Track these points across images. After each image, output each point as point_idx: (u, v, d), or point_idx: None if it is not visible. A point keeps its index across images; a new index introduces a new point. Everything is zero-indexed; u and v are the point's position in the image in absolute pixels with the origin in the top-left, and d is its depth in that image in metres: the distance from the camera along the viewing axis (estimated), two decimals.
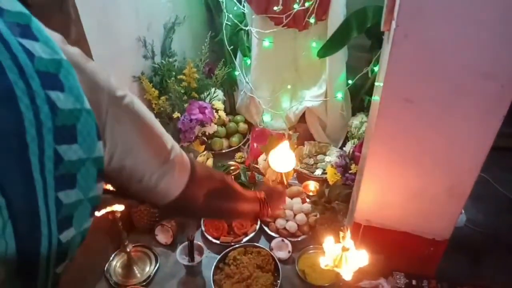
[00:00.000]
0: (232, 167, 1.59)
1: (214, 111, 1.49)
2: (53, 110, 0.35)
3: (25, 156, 0.34)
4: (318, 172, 1.57)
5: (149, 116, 0.50)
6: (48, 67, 0.35)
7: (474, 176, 0.92)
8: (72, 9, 0.88)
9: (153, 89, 1.34)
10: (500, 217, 1.43)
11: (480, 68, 0.78)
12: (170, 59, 1.42)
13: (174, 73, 1.38)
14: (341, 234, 0.90)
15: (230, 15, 1.63)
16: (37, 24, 0.37)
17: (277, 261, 1.23)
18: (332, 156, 1.56)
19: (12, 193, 0.34)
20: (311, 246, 1.29)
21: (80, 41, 0.96)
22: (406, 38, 0.78)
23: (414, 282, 1.14)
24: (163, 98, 1.36)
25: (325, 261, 0.90)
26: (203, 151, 1.58)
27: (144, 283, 1.22)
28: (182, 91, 1.39)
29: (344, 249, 0.87)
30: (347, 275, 0.87)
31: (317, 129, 1.69)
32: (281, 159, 1.28)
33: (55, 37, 0.39)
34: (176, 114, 1.38)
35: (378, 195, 1.03)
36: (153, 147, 0.51)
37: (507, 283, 1.19)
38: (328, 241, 0.91)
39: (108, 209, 1.03)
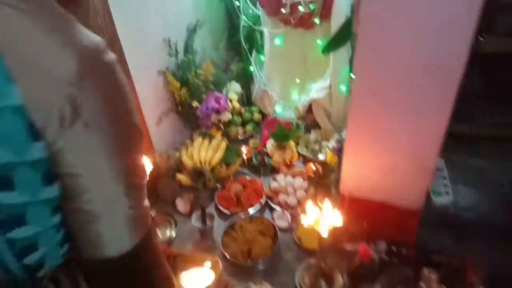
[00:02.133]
0: (244, 152, 1.80)
1: (228, 101, 1.71)
2: None
3: None
4: (321, 156, 1.75)
5: (128, 123, 0.45)
6: None
7: (436, 155, 1.07)
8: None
9: (176, 81, 1.59)
10: (488, 200, 1.54)
11: (431, 62, 0.95)
12: (191, 56, 1.66)
13: (194, 68, 1.62)
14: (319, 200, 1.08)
15: (246, 18, 1.84)
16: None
17: (277, 229, 1.44)
18: (333, 142, 1.73)
19: None
20: None
21: (114, 43, 1.21)
22: (368, 39, 0.96)
23: (394, 248, 1.30)
24: (184, 89, 1.60)
25: (306, 221, 1.09)
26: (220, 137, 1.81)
27: (166, 243, 1.47)
28: (201, 83, 1.62)
29: (320, 209, 1.06)
30: (324, 232, 1.06)
31: (322, 118, 1.87)
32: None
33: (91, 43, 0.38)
34: (195, 103, 1.62)
35: (357, 170, 1.20)
36: (114, 163, 0.43)
37: (486, 256, 1.30)
38: (309, 204, 1.10)
39: None
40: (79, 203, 0.42)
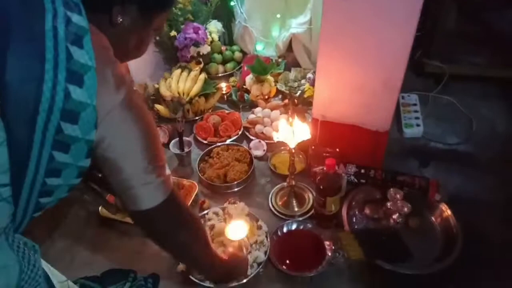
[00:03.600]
0: (224, 87, 1.81)
1: (208, 33, 1.70)
2: (66, 98, 0.47)
3: (34, 116, 0.46)
4: (297, 93, 1.78)
5: (153, 130, 0.63)
6: (79, 68, 0.48)
7: (401, 72, 1.10)
8: None
9: None
10: (457, 133, 1.60)
11: None
12: None
13: None
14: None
15: None
16: (89, 38, 0.49)
17: (253, 156, 1.48)
18: (310, 74, 1.75)
19: (14, 130, 0.46)
20: (282, 148, 1.53)
21: None
22: None
23: (362, 170, 1.36)
24: None
25: (276, 136, 1.13)
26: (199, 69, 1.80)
27: None
28: (178, 12, 1.60)
29: (290, 123, 1.10)
30: (292, 144, 1.11)
31: (302, 56, 1.88)
32: None
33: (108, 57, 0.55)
34: (173, 33, 1.60)
35: (329, 91, 1.23)
36: (145, 153, 0.60)
37: (448, 180, 1.38)
38: (281, 121, 1.14)
39: None
40: (119, 178, 0.60)
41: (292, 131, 1.11)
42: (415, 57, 1.85)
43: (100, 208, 1.33)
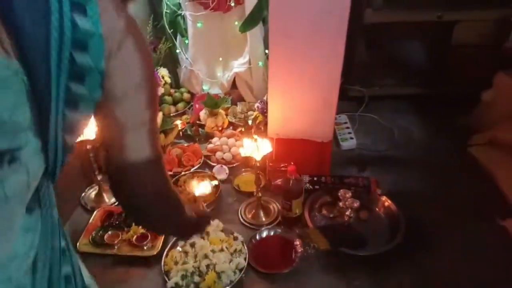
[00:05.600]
0: (179, 124, 1.97)
1: (161, 76, 1.87)
2: (74, 26, 0.47)
3: (48, 49, 0.46)
4: (249, 122, 1.99)
5: (152, 64, 0.61)
6: (80, 0, 0.49)
7: (336, 92, 1.38)
8: None
9: None
10: (383, 141, 1.92)
11: (324, 8, 1.24)
12: None
13: None
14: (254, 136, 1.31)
15: (168, 2, 2.02)
16: None
17: (218, 180, 1.63)
18: (257, 104, 1.98)
19: (32, 64, 0.46)
20: (243, 169, 1.71)
21: None
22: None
23: (315, 178, 1.58)
24: None
25: (244, 151, 1.31)
26: None
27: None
28: None
29: (254, 140, 1.29)
30: (258, 157, 1.29)
31: (246, 91, 2.12)
32: None
33: None
34: None
35: (280, 112, 1.46)
36: (144, 88, 0.57)
37: (383, 178, 1.65)
38: (246, 140, 1.33)
39: (81, 137, 1.37)
40: (114, 121, 0.57)
41: (256, 146, 1.30)
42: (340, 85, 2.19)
43: (77, 243, 1.36)
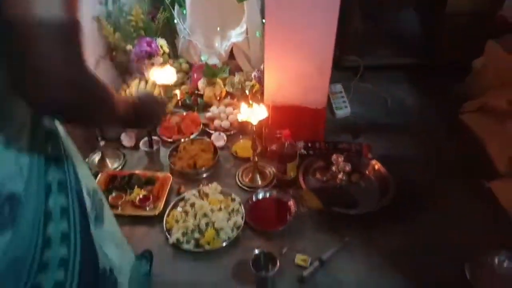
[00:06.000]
0: (178, 93, 2.01)
1: (159, 46, 1.90)
2: None
3: None
4: (247, 92, 2.04)
5: None
6: None
7: (330, 60, 1.42)
8: None
9: (109, 27, 1.73)
10: (377, 110, 1.97)
11: None
12: (120, 5, 1.81)
13: (124, 13, 1.77)
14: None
15: None
16: None
17: (216, 146, 1.70)
18: (254, 72, 2.02)
19: None
20: (241, 136, 1.77)
21: None
22: None
23: (309, 144, 1.65)
24: (117, 34, 1.75)
25: (241, 116, 1.37)
26: None
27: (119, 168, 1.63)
28: (131, 29, 1.79)
29: (250, 105, 1.34)
30: (254, 121, 1.35)
31: (243, 61, 2.15)
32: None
33: None
34: (129, 46, 1.78)
35: (276, 80, 1.51)
36: None
37: (376, 144, 1.70)
38: (243, 105, 1.38)
39: None
40: None
41: (252, 111, 1.35)
42: (336, 55, 2.22)
43: None
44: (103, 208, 0.84)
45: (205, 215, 1.35)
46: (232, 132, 1.79)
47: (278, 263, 1.14)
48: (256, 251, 1.19)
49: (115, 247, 0.85)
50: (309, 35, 1.38)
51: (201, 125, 1.81)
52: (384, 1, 2.13)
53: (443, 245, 1.30)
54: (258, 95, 1.82)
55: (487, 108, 1.69)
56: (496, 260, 1.21)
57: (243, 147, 1.71)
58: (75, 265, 0.66)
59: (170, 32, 2.21)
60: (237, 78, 2.13)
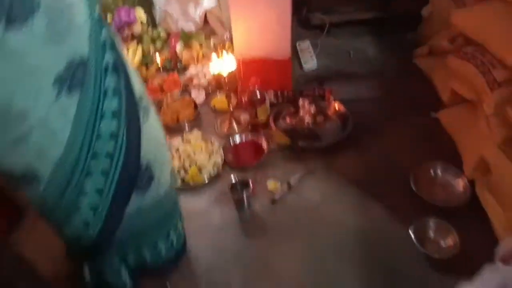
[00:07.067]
0: (158, 59, 2.18)
1: (137, 16, 2.06)
2: None
3: None
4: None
5: None
6: None
7: (288, 10, 1.60)
8: None
9: None
10: (341, 61, 2.17)
11: None
12: None
13: None
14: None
15: None
16: None
17: (196, 103, 1.89)
18: (227, 33, 2.19)
19: None
20: (218, 92, 1.96)
21: None
22: None
23: (279, 93, 1.85)
24: None
25: (212, 68, 1.56)
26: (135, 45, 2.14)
27: None
28: (110, 0, 1.94)
29: (220, 55, 1.53)
30: (225, 73, 1.54)
31: (217, 25, 2.32)
32: None
33: None
34: (109, 18, 1.94)
35: (243, 35, 1.69)
36: None
37: (339, 90, 1.90)
38: (213, 56, 1.57)
39: None
40: None
41: (222, 63, 1.54)
42: (303, 14, 2.40)
43: None
44: (149, 110, 0.92)
45: (188, 156, 1.56)
46: (210, 90, 1.98)
47: (251, 185, 1.36)
48: (233, 180, 1.41)
49: (155, 146, 0.94)
50: None
51: (182, 85, 2.00)
52: None
53: (392, 164, 1.54)
54: (229, 52, 2.00)
55: (434, 50, 1.90)
56: (433, 171, 1.45)
57: (220, 101, 1.90)
58: (123, 139, 0.80)
59: (147, 1, 2.35)
60: (212, 41, 2.30)
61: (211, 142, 1.66)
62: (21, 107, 0.66)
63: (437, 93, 1.80)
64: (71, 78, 0.70)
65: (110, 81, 0.77)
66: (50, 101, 0.69)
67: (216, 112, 1.88)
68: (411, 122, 1.72)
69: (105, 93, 0.77)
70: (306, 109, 1.73)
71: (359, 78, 2.04)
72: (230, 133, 1.73)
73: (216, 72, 1.56)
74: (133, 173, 0.86)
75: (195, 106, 1.87)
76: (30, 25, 0.62)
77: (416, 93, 1.86)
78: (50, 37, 0.66)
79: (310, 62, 2.13)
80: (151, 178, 0.92)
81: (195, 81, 1.98)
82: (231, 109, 1.74)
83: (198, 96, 1.94)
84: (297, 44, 2.24)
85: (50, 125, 0.70)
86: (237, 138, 1.69)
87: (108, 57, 0.77)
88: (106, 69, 0.77)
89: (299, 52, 2.20)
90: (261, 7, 1.60)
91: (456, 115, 1.64)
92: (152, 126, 0.92)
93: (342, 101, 1.79)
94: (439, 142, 1.60)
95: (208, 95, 1.96)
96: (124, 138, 0.80)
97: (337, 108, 1.76)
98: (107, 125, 0.78)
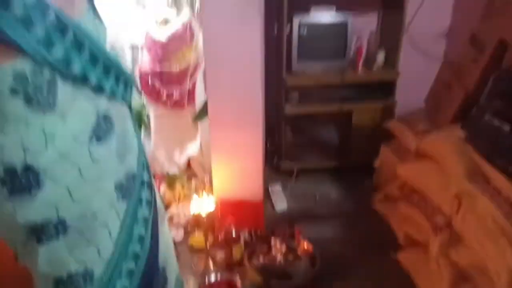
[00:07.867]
0: None
1: None
2: None
3: None
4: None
5: None
6: None
7: (260, 161, 1.89)
8: None
9: None
10: (308, 203, 2.42)
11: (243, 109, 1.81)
12: None
13: None
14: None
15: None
16: None
17: (175, 241, 2.01)
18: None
19: None
20: (196, 231, 2.10)
21: None
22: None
23: (253, 231, 2.01)
24: None
25: (192, 208, 1.74)
26: None
27: None
28: None
29: (200, 195, 1.73)
30: (204, 211, 1.72)
31: (198, 169, 2.59)
32: None
33: None
34: None
35: (222, 177, 1.94)
36: None
37: (306, 229, 2.10)
38: (194, 195, 1.76)
39: None
40: None
41: (202, 203, 1.73)
42: (274, 162, 2.74)
43: None
44: (164, 216, 1.03)
45: None
46: (189, 228, 2.12)
47: None
48: None
49: (167, 250, 1.02)
50: (242, 146, 1.88)
51: None
52: (307, 118, 2.76)
53: None
54: (209, 193, 2.22)
55: (388, 196, 2.18)
56: None
57: (198, 240, 2.03)
58: (148, 242, 0.88)
59: None
60: (193, 184, 2.54)
61: (186, 281, 1.73)
62: (95, 209, 0.79)
63: (394, 233, 2.01)
64: (126, 186, 0.85)
65: (145, 194, 0.92)
66: (112, 204, 0.82)
67: (193, 250, 1.98)
68: (373, 261, 1.88)
69: (141, 201, 0.90)
70: (278, 248, 1.88)
71: (325, 219, 2.26)
72: (206, 272, 1.82)
73: (196, 212, 1.74)
74: (152, 275, 0.93)
75: (174, 244, 1.98)
76: (109, 142, 0.79)
77: (376, 234, 2.06)
78: (117, 152, 0.83)
79: (281, 204, 2.36)
80: (165, 280, 0.99)
81: (175, 220, 2.13)
82: (208, 247, 1.86)
83: (177, 234, 2.07)
84: (269, 187, 2.51)
85: (108, 226, 0.82)
86: (212, 277, 1.77)
87: (146, 176, 0.93)
88: (142, 183, 0.91)
89: (271, 195, 2.45)
90: (238, 155, 1.89)
91: (414, 256, 1.82)
92: (165, 231, 1.03)
93: (310, 240, 1.96)
94: (401, 283, 1.74)
95: (186, 234, 2.10)
96: (149, 240, 0.90)
97: (305, 247, 1.91)
98: (138, 229, 0.89)
